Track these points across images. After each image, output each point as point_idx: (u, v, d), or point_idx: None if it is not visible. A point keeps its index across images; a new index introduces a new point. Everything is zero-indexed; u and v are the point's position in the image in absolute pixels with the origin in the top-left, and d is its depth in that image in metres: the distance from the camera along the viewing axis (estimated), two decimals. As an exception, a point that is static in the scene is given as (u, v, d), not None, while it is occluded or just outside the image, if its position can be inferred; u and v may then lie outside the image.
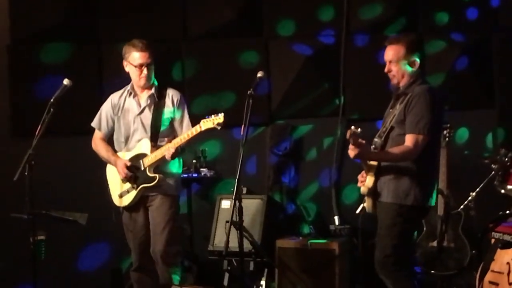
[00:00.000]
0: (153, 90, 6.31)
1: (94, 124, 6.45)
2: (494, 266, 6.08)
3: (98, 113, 6.44)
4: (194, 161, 7.60)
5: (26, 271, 5.80)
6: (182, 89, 7.75)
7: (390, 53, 5.58)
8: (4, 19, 7.38)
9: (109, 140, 6.46)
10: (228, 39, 7.96)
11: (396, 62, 5.55)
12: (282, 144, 8.02)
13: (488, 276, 6.10)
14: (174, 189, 6.32)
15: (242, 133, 5.83)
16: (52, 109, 5.78)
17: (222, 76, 7.90)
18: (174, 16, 7.84)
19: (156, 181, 6.16)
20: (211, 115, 6.01)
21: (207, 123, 6.00)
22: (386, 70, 5.63)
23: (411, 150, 5.40)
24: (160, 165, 6.22)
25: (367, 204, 5.68)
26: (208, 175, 7.64)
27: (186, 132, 6.15)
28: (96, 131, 6.45)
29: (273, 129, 8.06)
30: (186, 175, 7.49)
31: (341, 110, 8.12)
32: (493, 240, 6.21)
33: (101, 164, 6.34)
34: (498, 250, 6.08)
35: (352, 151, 5.39)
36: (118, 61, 6.32)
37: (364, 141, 5.41)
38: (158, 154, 6.16)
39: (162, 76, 7.35)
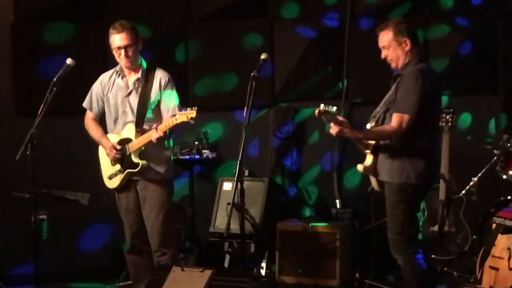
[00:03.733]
0: (139, 74, 6.15)
1: (85, 104, 6.34)
2: (494, 251, 6.09)
3: (89, 93, 6.33)
4: (196, 142, 7.59)
5: (27, 250, 5.81)
6: (186, 70, 7.77)
7: (382, 39, 5.65)
8: (8, -3, 7.37)
9: (101, 120, 6.36)
10: (232, 20, 7.93)
11: (388, 46, 5.62)
12: (284, 127, 8.01)
13: (489, 261, 6.10)
14: (164, 174, 6.17)
15: (244, 115, 5.83)
16: (54, 89, 5.77)
17: (226, 58, 7.88)
18: (178, -4, 7.83)
19: (139, 167, 6.07)
20: (187, 108, 5.87)
21: (181, 117, 5.85)
22: (382, 56, 5.69)
23: (395, 129, 5.43)
24: (146, 151, 6.10)
25: (372, 182, 5.74)
26: (210, 157, 7.62)
27: (168, 119, 5.98)
28: (88, 112, 6.35)
29: (276, 112, 8.05)
30: (188, 157, 7.50)
31: (344, 93, 8.10)
32: (494, 225, 6.21)
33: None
34: (499, 235, 6.09)
35: (333, 129, 5.46)
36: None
37: (345, 120, 5.51)
38: (141, 140, 6.03)
39: (165, 57, 7.37)
